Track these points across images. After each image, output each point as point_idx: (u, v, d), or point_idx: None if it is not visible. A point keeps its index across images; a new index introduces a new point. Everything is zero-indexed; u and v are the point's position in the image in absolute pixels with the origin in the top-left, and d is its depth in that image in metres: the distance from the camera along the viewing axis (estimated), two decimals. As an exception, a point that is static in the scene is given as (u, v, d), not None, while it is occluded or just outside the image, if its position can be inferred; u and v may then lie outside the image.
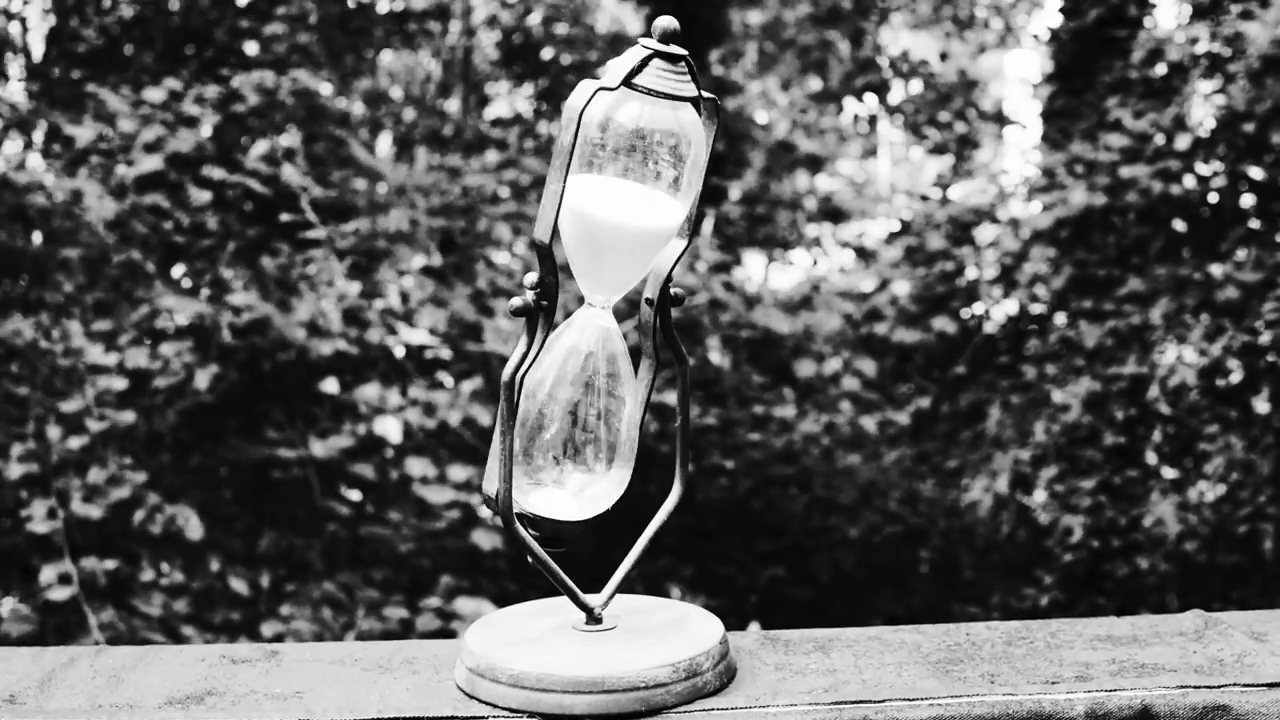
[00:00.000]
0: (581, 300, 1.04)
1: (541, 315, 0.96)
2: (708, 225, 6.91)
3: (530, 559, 1.00)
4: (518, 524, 0.98)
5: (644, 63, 0.95)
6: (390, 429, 4.38)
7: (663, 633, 1.02)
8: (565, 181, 0.93)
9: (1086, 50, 6.38)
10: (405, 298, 4.55)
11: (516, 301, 0.96)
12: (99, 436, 3.77)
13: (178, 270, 4.37)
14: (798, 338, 6.07)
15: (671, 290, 1.03)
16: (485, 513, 3.89)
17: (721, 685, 0.99)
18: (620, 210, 0.96)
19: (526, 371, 0.97)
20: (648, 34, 0.97)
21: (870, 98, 9.28)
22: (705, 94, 0.98)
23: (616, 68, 0.95)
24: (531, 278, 0.96)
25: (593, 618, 1.03)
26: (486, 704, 0.96)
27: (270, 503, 4.38)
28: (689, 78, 0.96)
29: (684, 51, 0.96)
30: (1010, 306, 6.44)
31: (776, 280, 7.99)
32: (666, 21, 0.95)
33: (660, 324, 1.03)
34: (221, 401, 4.18)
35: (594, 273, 1.00)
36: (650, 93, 0.95)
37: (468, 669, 0.99)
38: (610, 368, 1.02)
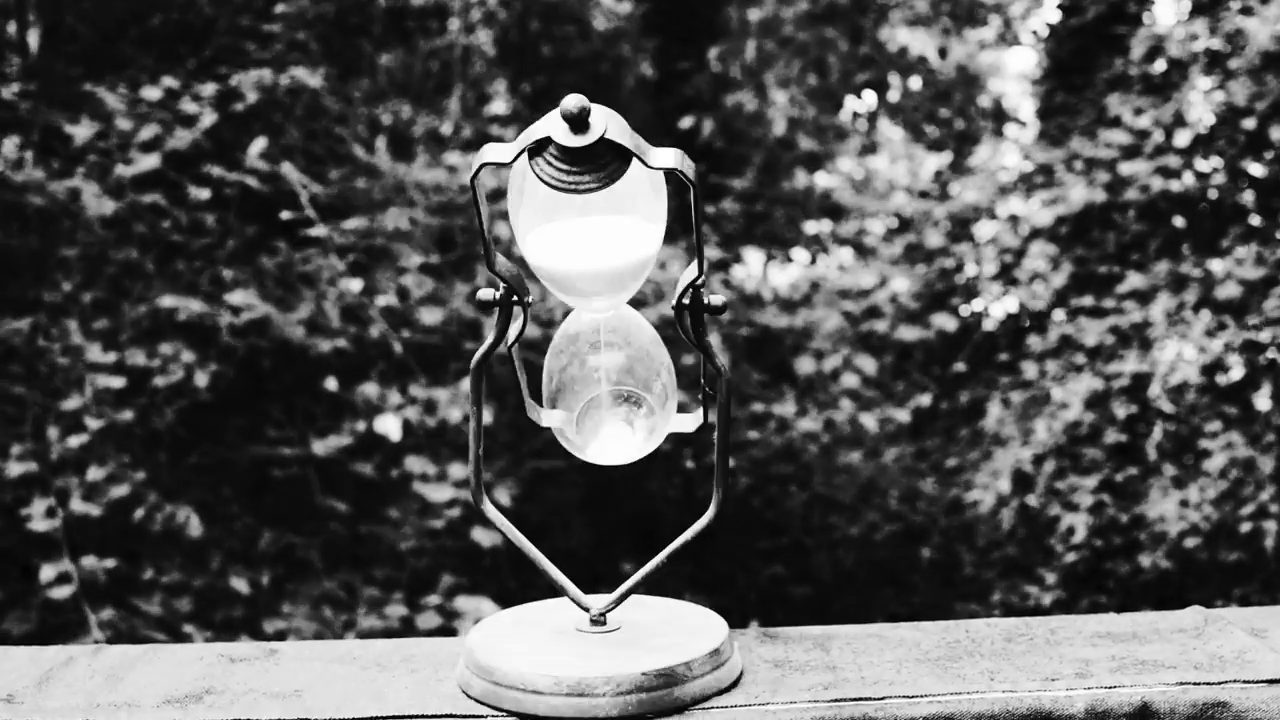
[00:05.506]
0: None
1: (513, 307, 0.98)
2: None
3: (527, 554, 1.00)
4: (495, 512, 0.99)
5: (541, 145, 0.86)
6: (390, 427, 4.37)
7: (663, 637, 1.00)
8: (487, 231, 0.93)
9: (1086, 47, 6.38)
10: (404, 295, 4.54)
11: (484, 294, 0.97)
12: (98, 435, 3.77)
13: (176, 269, 4.36)
14: (797, 335, 6.06)
15: (707, 300, 0.96)
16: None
17: (720, 690, 0.97)
18: (574, 257, 0.93)
19: (487, 357, 0.98)
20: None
21: (869, 94, 9.26)
22: (656, 166, 0.87)
23: (522, 139, 0.87)
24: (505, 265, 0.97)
25: (593, 619, 1.02)
26: (479, 703, 0.96)
27: (270, 501, 4.37)
28: (588, 174, 0.85)
29: (587, 142, 0.84)
30: (1010, 303, 6.43)
31: (776, 278, 7.98)
32: (571, 102, 0.83)
33: (691, 332, 0.98)
34: (221, 399, 4.17)
35: (580, 302, 1.00)
36: (544, 181, 0.86)
37: (465, 667, 0.99)
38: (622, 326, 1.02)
